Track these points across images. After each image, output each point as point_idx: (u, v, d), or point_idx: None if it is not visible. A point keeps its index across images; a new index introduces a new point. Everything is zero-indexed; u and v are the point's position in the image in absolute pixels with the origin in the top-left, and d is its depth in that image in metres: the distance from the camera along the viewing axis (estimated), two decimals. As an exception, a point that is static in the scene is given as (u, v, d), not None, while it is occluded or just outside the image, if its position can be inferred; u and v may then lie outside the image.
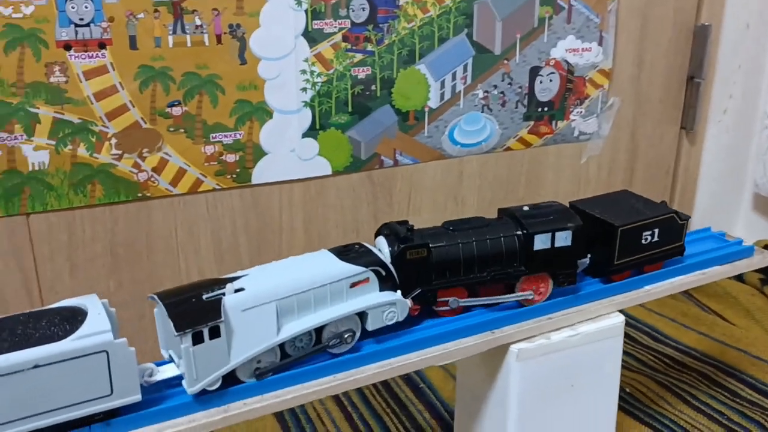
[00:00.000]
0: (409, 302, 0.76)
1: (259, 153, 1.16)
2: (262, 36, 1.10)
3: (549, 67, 1.34)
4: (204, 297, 0.64)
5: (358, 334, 0.73)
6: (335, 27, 1.15)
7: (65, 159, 1.04)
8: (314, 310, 0.70)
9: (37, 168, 1.03)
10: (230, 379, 0.67)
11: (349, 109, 1.20)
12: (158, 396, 0.66)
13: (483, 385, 0.89)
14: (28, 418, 0.58)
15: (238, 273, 0.69)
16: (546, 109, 1.36)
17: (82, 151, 1.05)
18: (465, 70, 1.27)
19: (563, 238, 0.82)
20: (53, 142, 1.03)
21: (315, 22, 1.13)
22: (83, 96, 1.02)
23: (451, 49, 1.24)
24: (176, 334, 0.61)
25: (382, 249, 0.77)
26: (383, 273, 0.74)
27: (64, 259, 1.08)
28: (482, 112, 1.31)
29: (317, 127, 1.19)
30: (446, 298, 0.80)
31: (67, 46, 0.99)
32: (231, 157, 1.14)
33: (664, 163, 1.54)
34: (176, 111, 1.08)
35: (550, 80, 1.35)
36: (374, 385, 1.31)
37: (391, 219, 1.29)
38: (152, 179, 1.10)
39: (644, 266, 0.92)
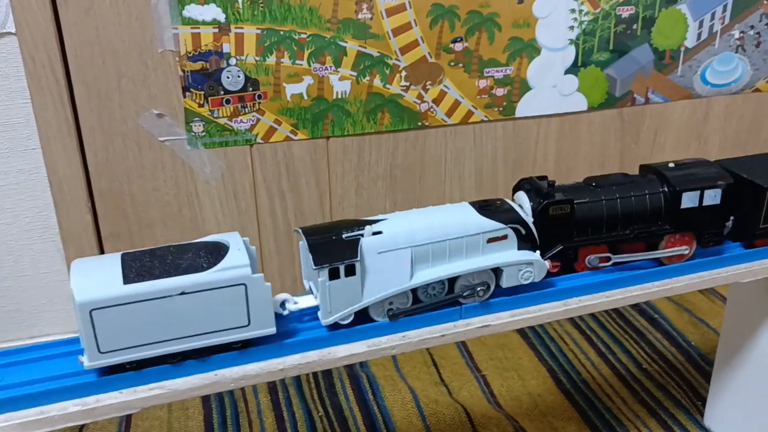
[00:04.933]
0: (548, 264, 0.74)
1: (525, 88, 1.24)
2: (540, -24, 1.17)
3: (808, 8, 1.32)
4: (344, 236, 0.67)
5: (491, 289, 0.72)
6: (606, -33, 1.20)
7: (363, 89, 1.16)
8: (449, 260, 0.70)
9: (340, 96, 1.16)
10: (363, 317, 0.69)
11: (610, 47, 1.25)
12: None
13: (761, 312, 0.95)
14: (175, 340, 0.63)
15: (379, 216, 0.70)
16: (800, 50, 1.35)
17: (377, 82, 1.16)
18: (724, 10, 1.28)
19: (712, 197, 0.78)
20: (355, 74, 1.15)
21: (587, -38, 1.19)
22: (384, 32, 1.13)
23: (713, -12, 1.26)
24: (314, 267, 0.65)
25: (523, 204, 0.76)
26: (523, 231, 0.72)
27: (352, 178, 1.22)
28: (736, 52, 1.32)
29: (579, 64, 1.25)
30: (587, 256, 0.77)
31: (375, -14, 1.11)
32: (500, 91, 1.23)
33: None
34: (458, 47, 1.18)
35: (808, 21, 1.33)
36: (608, 312, 1.39)
37: (636, 156, 1.35)
38: (431, 110, 1.21)
39: None
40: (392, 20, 1.13)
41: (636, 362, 1.25)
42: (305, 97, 1.14)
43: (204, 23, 1.06)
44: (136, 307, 0.61)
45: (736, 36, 1.31)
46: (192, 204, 1.17)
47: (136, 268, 0.62)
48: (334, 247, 0.66)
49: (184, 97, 1.09)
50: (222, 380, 0.66)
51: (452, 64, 1.19)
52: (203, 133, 1.12)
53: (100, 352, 0.61)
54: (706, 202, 0.78)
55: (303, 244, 0.68)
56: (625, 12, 1.23)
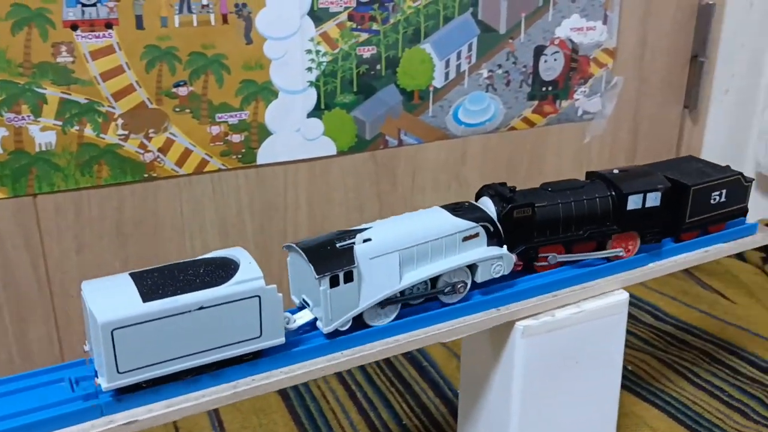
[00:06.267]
0: (513, 257, 0.80)
1: (265, 133, 1.16)
2: (268, 15, 1.10)
3: (554, 46, 1.34)
4: (338, 246, 0.70)
5: (469, 285, 0.79)
6: (341, 6, 1.15)
7: (72, 139, 1.04)
8: (431, 260, 0.75)
9: (44, 148, 1.03)
10: (359, 324, 0.73)
11: (354, 89, 1.20)
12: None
13: (488, 361, 0.91)
14: (190, 355, 0.64)
15: (364, 225, 0.74)
16: (550, 88, 1.36)
17: (88, 131, 1.05)
18: (470, 49, 1.27)
19: (653, 199, 0.87)
20: (60, 123, 1.03)
21: (321, 0, 1.13)
22: (90, 76, 1.02)
23: (456, 28, 1.24)
24: (316, 277, 0.68)
25: (488, 208, 0.81)
26: (491, 228, 0.79)
27: (71, 238, 1.09)
28: (487, 91, 1.31)
29: (322, 106, 1.19)
30: (546, 254, 0.85)
31: (74, 26, 0.99)
32: (236, 138, 1.14)
33: (666, 143, 1.55)
34: (182, 91, 1.09)
35: (555, 59, 1.35)
36: (378, 363, 1.33)
37: (394, 199, 1.31)
38: (158, 159, 1.10)
39: (709, 226, 0.96)
40: (99, 64, 1.02)
41: (397, 418, 1.19)
42: (0, 152, 1.01)
43: None
44: (156, 324, 0.61)
45: (485, 75, 1.30)
46: None
47: (149, 286, 0.62)
48: (331, 256, 0.69)
49: None
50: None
51: (177, 109, 1.09)
52: None
53: (118, 372, 0.61)
54: (648, 203, 0.87)
55: (296, 257, 0.72)
56: (367, 52, 1.19)
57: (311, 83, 1.17)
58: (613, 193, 0.86)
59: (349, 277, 0.70)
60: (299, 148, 1.19)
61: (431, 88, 1.26)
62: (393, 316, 0.76)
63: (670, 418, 1.13)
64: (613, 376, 0.94)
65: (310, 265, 0.68)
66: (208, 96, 1.10)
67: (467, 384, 0.98)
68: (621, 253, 0.89)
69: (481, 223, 0.78)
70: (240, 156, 1.16)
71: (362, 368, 1.31)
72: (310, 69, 1.16)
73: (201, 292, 0.63)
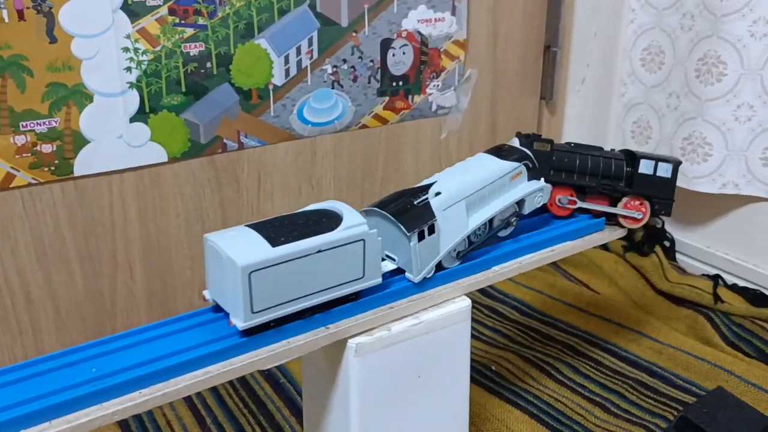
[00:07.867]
0: (550, 187, 0.90)
1: (81, 141, 1.04)
2: (73, 10, 0.98)
3: (401, 39, 1.28)
4: (415, 203, 0.78)
5: (518, 217, 0.88)
6: (159, -1, 1.04)
7: None
8: (489, 202, 0.84)
9: None
10: (437, 268, 0.82)
11: (183, 89, 1.10)
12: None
13: (325, 382, 0.83)
14: (308, 296, 0.71)
15: (428, 180, 0.82)
16: (401, 83, 1.30)
17: None
18: (310, 44, 1.19)
19: (664, 169, 0.95)
20: None
21: (135, -6, 1.02)
22: None
23: (292, 21, 1.16)
24: (407, 233, 0.76)
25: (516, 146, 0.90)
26: (530, 165, 0.87)
27: None
28: (332, 88, 1.24)
29: (147, 110, 1.08)
30: (558, 197, 0.94)
31: None
32: (47, 147, 1.02)
33: (525, 135, 1.52)
34: (-25, 98, 0.96)
35: (403, 53, 1.29)
36: (231, 383, 1.23)
37: (240, 206, 1.22)
38: (-48, 176, 0.97)
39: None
40: None
41: (248, 442, 1.10)
42: None
43: None
44: (283, 267, 0.67)
45: (330, 71, 1.22)
46: None
47: (271, 234, 0.68)
48: (414, 213, 0.77)
49: None
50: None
51: (-29, 118, 0.96)
52: None
53: (252, 312, 0.67)
54: (659, 173, 0.95)
55: (376, 220, 0.78)
56: (194, 49, 1.09)
57: (132, 85, 1.06)
58: (628, 157, 0.96)
59: (432, 230, 0.78)
60: (123, 156, 1.08)
61: (271, 87, 1.18)
62: (462, 258, 0.84)
63: (533, 419, 1.10)
64: (461, 386, 0.89)
65: (400, 224, 0.76)
66: (9, 102, 0.98)
67: (309, 405, 0.91)
68: (639, 217, 0.97)
69: (524, 162, 0.87)
70: (53, 168, 1.03)
71: (214, 389, 1.22)
72: (129, 69, 1.05)
73: (318, 237, 0.69)
